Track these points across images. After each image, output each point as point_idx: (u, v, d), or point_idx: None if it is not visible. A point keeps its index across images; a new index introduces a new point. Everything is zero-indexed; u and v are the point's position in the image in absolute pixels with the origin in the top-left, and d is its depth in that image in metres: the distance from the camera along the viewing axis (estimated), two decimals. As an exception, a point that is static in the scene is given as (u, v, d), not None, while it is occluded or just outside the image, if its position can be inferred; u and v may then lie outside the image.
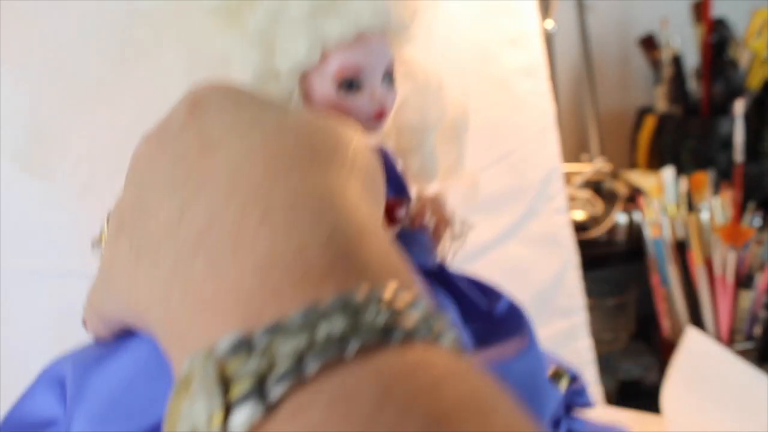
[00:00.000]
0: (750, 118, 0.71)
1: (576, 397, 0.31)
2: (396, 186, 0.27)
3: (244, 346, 0.14)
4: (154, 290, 0.18)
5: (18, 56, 0.30)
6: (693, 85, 0.81)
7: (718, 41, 0.77)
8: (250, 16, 0.25)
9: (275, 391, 0.13)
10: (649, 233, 0.68)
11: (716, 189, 0.68)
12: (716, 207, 0.65)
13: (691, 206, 0.67)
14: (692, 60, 0.80)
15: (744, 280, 0.63)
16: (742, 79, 0.76)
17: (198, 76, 0.24)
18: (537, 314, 0.58)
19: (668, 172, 0.68)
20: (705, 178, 0.68)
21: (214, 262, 0.16)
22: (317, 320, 0.14)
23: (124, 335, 0.23)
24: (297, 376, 0.13)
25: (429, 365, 0.14)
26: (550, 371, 0.30)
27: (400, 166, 0.28)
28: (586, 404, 0.31)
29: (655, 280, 0.68)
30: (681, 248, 0.66)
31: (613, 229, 0.73)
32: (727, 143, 0.72)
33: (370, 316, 0.14)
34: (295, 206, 0.17)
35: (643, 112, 0.84)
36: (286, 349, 0.14)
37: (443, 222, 0.30)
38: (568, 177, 0.72)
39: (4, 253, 0.44)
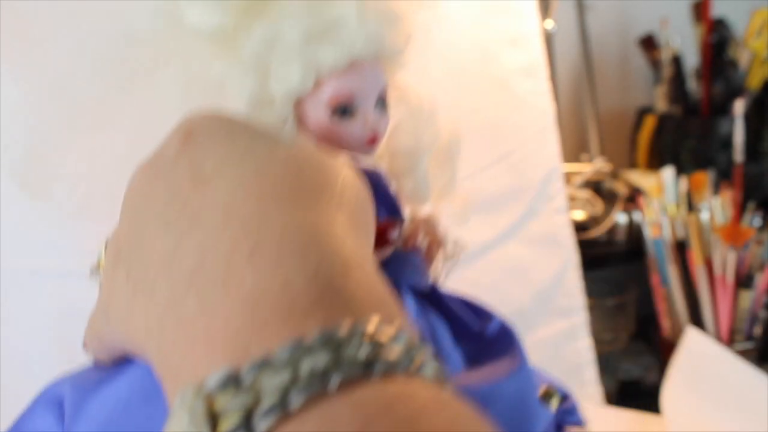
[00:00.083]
0: (750, 118, 0.71)
1: (567, 416, 0.31)
2: (389, 207, 0.27)
3: (231, 381, 0.15)
4: (150, 322, 0.18)
5: (17, 76, 0.31)
6: (693, 85, 0.81)
7: (718, 41, 0.77)
8: (245, 42, 0.26)
9: (261, 425, 0.14)
10: (649, 233, 0.68)
11: (716, 189, 0.68)
12: (716, 207, 0.65)
13: (691, 206, 0.67)
14: (692, 60, 0.80)
15: (744, 280, 0.63)
16: (742, 79, 0.76)
17: (194, 99, 0.25)
18: (537, 314, 0.59)
19: (668, 172, 0.68)
20: (705, 178, 0.68)
21: (205, 299, 0.17)
22: (301, 355, 0.15)
23: (123, 360, 0.23)
24: (282, 410, 0.14)
25: (409, 397, 0.15)
26: (540, 391, 0.30)
27: (393, 187, 0.28)
28: (577, 423, 0.32)
29: (655, 280, 0.68)
30: (681, 248, 0.66)
31: (613, 229, 0.73)
32: (727, 143, 0.72)
33: (352, 351, 0.15)
34: (283, 242, 0.17)
35: (643, 112, 0.84)
36: (272, 384, 0.14)
37: (436, 243, 0.30)
38: (568, 177, 0.72)
39: (4, 253, 0.44)
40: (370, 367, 0.15)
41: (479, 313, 0.29)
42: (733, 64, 0.77)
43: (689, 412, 0.56)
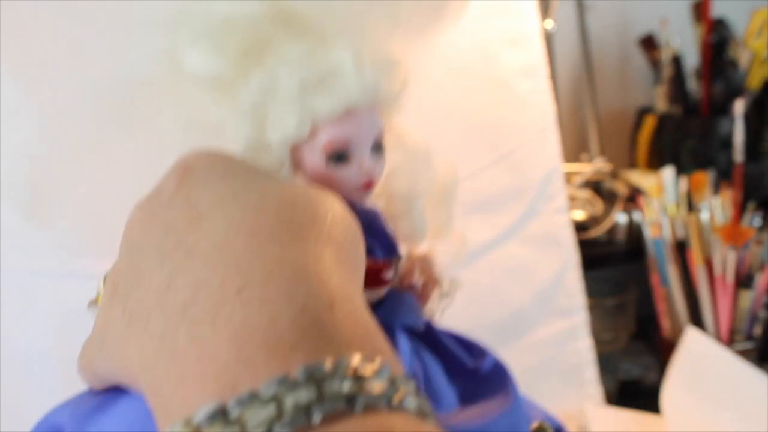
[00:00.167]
0: (750, 118, 0.71)
1: None
2: (386, 247, 0.28)
3: (219, 415, 0.15)
4: (144, 356, 0.19)
5: (20, 112, 0.31)
6: (693, 85, 0.81)
7: (718, 41, 0.77)
8: (242, 89, 0.26)
9: None
10: (649, 233, 0.68)
11: (716, 189, 0.68)
12: (716, 207, 0.65)
13: (691, 206, 0.67)
14: (692, 60, 0.80)
15: (744, 280, 0.63)
16: (742, 79, 0.76)
17: (193, 142, 0.25)
18: (537, 314, 0.59)
19: (668, 172, 0.68)
20: (705, 178, 0.68)
21: (196, 333, 0.17)
22: (286, 391, 0.15)
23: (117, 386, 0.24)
24: None
25: (390, 430, 0.15)
26: (534, 426, 0.30)
27: (390, 227, 0.28)
28: None
29: (655, 280, 0.68)
30: (681, 248, 0.66)
31: (613, 229, 0.73)
32: (727, 143, 0.72)
33: (335, 386, 0.16)
34: (271, 278, 0.18)
35: (643, 112, 0.84)
36: (258, 418, 0.15)
37: (432, 281, 0.31)
38: (568, 177, 0.72)
39: (4, 254, 0.44)
40: (353, 402, 0.15)
41: (473, 349, 0.29)
42: (733, 64, 0.77)
43: (689, 412, 0.56)
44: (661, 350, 0.68)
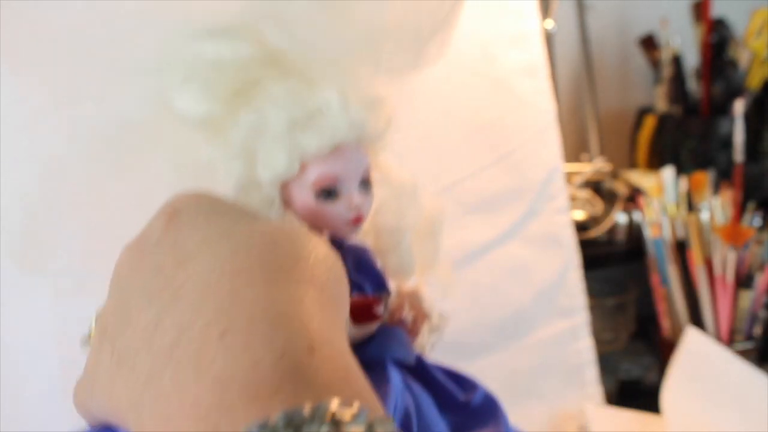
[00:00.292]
0: (750, 118, 0.71)
1: None
2: (376, 283, 0.28)
3: None
4: (131, 397, 0.19)
5: (17, 157, 0.32)
6: (693, 85, 0.81)
7: (718, 41, 0.77)
8: (232, 129, 0.27)
9: None
10: (649, 233, 0.68)
11: (716, 189, 0.68)
12: (716, 207, 0.65)
13: (691, 206, 0.67)
14: (692, 60, 0.80)
15: (744, 280, 0.63)
16: (742, 79, 0.76)
17: (185, 181, 0.26)
18: (538, 314, 0.59)
19: (668, 172, 0.68)
20: (705, 178, 0.68)
21: (180, 377, 0.18)
22: None
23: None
24: None
25: None
26: None
27: (379, 263, 0.29)
28: None
29: (655, 280, 0.68)
30: (681, 248, 0.66)
31: (613, 229, 0.73)
32: (727, 143, 0.72)
33: (313, 431, 0.16)
34: (252, 324, 0.18)
35: (643, 112, 0.84)
36: None
37: (421, 316, 0.31)
38: (568, 177, 0.72)
39: (4, 254, 0.44)
40: None
41: (464, 383, 0.30)
42: (733, 64, 0.77)
43: (689, 412, 0.56)
44: (661, 350, 0.68)
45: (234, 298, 0.19)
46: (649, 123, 0.82)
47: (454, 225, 0.56)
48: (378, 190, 0.29)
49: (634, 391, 0.67)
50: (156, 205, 0.23)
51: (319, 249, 0.22)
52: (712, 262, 0.64)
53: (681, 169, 0.70)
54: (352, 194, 0.27)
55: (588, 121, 0.82)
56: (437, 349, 0.32)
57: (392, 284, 0.30)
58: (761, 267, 0.63)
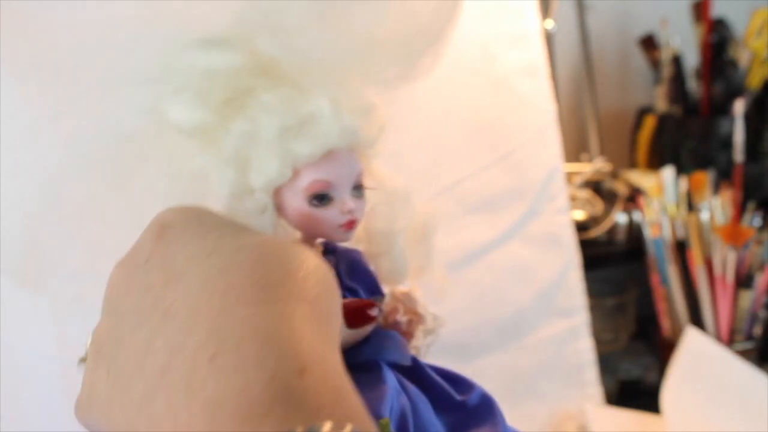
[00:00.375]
0: (750, 118, 0.71)
1: None
2: (369, 286, 0.29)
3: None
4: (127, 419, 0.19)
5: (15, 174, 0.32)
6: (693, 85, 0.81)
7: (718, 41, 0.77)
8: (224, 137, 0.27)
9: None
10: (649, 233, 0.68)
11: (716, 189, 0.68)
12: (716, 207, 0.65)
13: (691, 206, 0.67)
14: (692, 60, 0.81)
15: (744, 280, 0.63)
16: (742, 79, 0.76)
17: (180, 191, 0.27)
18: (538, 314, 0.59)
19: (668, 172, 0.68)
20: (705, 178, 0.68)
21: (171, 401, 0.18)
22: None
23: None
24: None
25: None
26: None
27: (372, 267, 0.29)
28: None
29: (655, 280, 0.68)
30: (681, 248, 0.66)
31: (613, 229, 0.73)
32: (727, 143, 0.72)
33: None
34: (243, 345, 0.18)
35: (643, 112, 0.84)
36: None
37: (416, 318, 0.31)
38: (568, 177, 0.72)
39: (4, 254, 0.44)
40: None
41: (460, 384, 0.30)
42: (733, 64, 0.77)
43: (689, 412, 0.56)
44: (661, 350, 0.68)
45: (223, 319, 0.19)
46: (649, 123, 0.82)
47: (454, 225, 0.56)
48: (370, 194, 0.29)
49: (634, 391, 0.67)
50: (150, 217, 0.23)
51: (309, 262, 0.22)
52: (712, 262, 0.64)
53: (681, 169, 0.70)
54: (344, 199, 0.28)
55: (588, 121, 0.82)
56: (436, 349, 0.32)
57: (386, 287, 0.30)
58: (761, 267, 0.63)
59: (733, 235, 0.63)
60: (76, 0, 0.28)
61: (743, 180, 0.68)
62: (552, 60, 0.69)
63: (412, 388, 0.28)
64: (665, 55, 0.81)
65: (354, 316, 0.26)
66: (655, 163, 0.80)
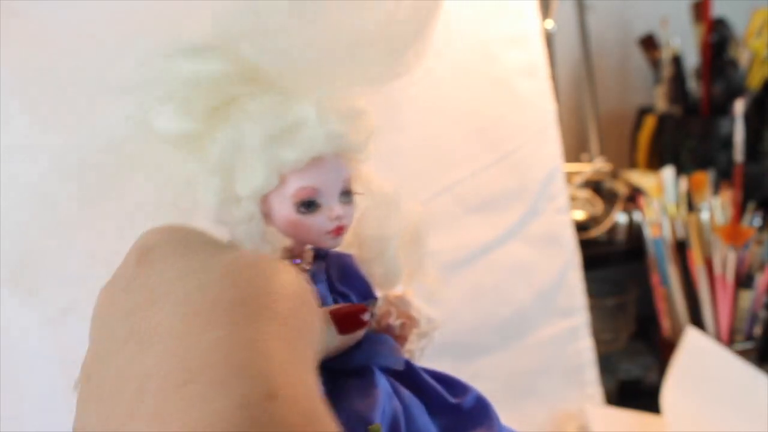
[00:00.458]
0: (750, 118, 0.71)
1: None
2: (362, 291, 0.29)
3: None
4: None
5: (7, 184, 0.32)
6: (693, 85, 0.81)
7: (718, 41, 0.77)
8: (210, 146, 0.27)
9: None
10: (649, 233, 0.68)
11: (716, 189, 0.68)
12: (716, 207, 0.65)
13: (691, 206, 0.67)
14: (692, 60, 0.81)
15: (744, 280, 0.63)
16: (742, 79, 0.76)
17: (168, 199, 0.27)
18: (538, 314, 0.59)
19: (668, 172, 0.68)
20: (705, 178, 0.68)
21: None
22: None
23: None
24: None
25: None
26: None
27: (364, 271, 0.29)
28: None
29: (655, 280, 0.68)
30: (681, 248, 0.66)
31: (613, 229, 0.73)
32: (727, 143, 0.72)
33: None
34: (211, 371, 0.18)
35: (643, 112, 0.84)
36: None
37: (409, 322, 0.31)
38: (568, 177, 0.72)
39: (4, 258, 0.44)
40: None
41: (454, 385, 0.30)
42: (733, 64, 0.77)
43: (689, 412, 0.56)
44: (661, 350, 0.68)
45: (192, 342, 0.19)
46: (649, 123, 0.82)
47: (454, 225, 0.56)
48: (360, 199, 0.29)
49: (634, 391, 0.67)
50: (140, 226, 0.24)
51: (282, 277, 0.22)
52: (712, 262, 0.64)
53: (681, 169, 0.70)
54: (332, 205, 0.27)
55: (588, 121, 0.82)
56: (435, 350, 0.32)
57: (379, 291, 0.30)
58: (761, 267, 0.63)
59: (733, 235, 0.63)
60: (64, 9, 0.28)
61: (743, 180, 0.68)
62: (552, 60, 0.69)
63: (406, 392, 0.28)
64: (665, 55, 0.81)
65: (345, 321, 0.26)
66: (655, 163, 0.80)
